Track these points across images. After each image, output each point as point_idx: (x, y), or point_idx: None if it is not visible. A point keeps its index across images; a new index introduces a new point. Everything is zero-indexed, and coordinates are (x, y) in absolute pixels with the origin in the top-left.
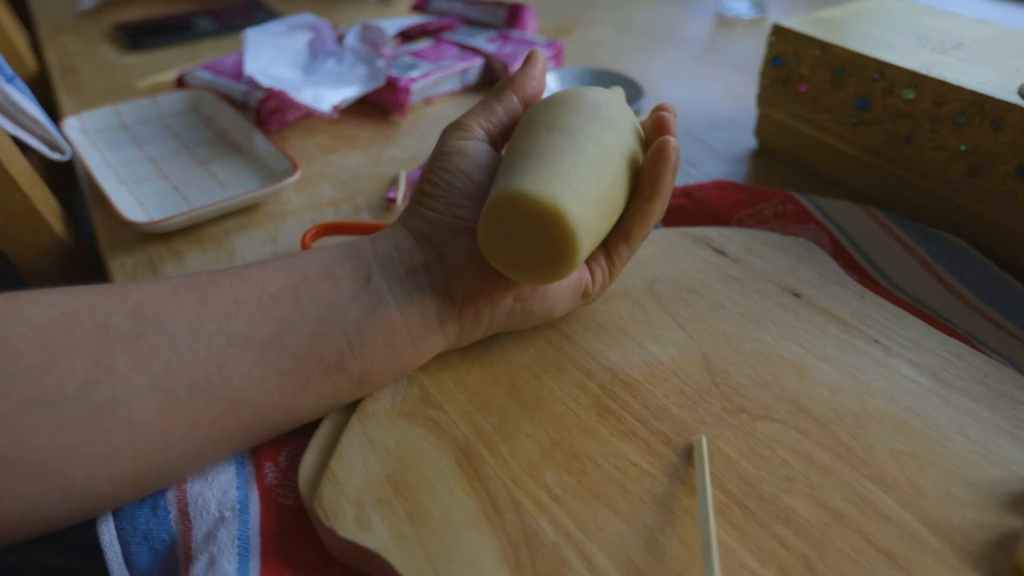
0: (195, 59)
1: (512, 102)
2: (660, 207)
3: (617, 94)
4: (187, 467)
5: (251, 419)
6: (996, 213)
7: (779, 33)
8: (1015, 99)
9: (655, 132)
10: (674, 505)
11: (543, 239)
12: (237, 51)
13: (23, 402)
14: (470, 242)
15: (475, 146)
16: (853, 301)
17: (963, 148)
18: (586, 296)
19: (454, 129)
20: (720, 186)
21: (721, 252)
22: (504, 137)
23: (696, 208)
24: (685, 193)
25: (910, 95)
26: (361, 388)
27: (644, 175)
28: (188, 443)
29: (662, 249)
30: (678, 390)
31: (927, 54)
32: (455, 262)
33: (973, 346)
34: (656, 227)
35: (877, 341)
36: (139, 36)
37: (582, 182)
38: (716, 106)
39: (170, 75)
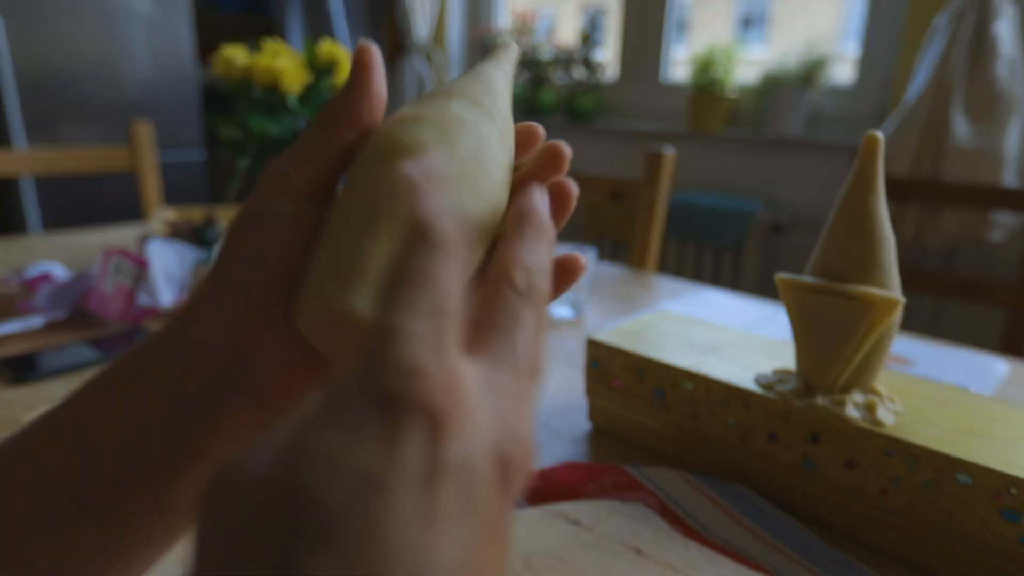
0: None
1: (345, 139)
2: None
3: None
4: None
5: None
6: (762, 468)
7: (593, 344)
8: (753, 387)
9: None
10: None
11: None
12: None
13: None
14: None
15: (289, 215)
16: (681, 551)
17: (731, 422)
18: None
19: (271, 183)
20: (568, 467)
21: (576, 523)
22: (335, 179)
23: (551, 488)
24: (542, 476)
25: (688, 386)
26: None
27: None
28: None
29: (529, 528)
30: None
31: (695, 355)
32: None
33: (767, 572)
34: (523, 506)
35: None
36: (22, 370)
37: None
38: (556, 396)
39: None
